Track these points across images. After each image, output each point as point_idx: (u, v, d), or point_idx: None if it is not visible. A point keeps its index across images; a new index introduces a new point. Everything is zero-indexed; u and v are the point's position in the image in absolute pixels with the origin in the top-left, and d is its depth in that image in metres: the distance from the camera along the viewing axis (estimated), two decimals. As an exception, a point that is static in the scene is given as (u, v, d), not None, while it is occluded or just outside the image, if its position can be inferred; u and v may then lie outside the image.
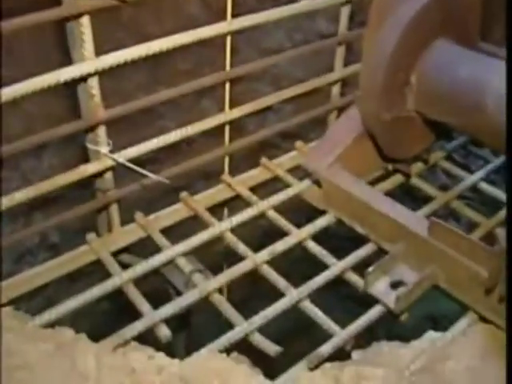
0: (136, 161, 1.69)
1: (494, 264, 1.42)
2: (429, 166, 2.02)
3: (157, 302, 1.60)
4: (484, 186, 1.98)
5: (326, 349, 1.48)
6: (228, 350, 1.49)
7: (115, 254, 1.83)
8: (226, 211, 2.10)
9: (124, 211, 1.85)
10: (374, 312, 1.56)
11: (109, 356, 1.41)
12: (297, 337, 2.35)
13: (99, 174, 1.70)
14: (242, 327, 1.52)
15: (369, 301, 1.59)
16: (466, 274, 1.51)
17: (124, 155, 1.69)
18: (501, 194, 1.93)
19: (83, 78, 1.49)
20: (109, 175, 1.72)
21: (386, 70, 1.66)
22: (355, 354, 1.50)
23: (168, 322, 1.56)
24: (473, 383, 1.39)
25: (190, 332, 2.10)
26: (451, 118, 1.70)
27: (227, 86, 1.86)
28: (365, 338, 1.56)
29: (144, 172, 1.61)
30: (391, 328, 1.81)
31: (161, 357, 1.42)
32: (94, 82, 1.53)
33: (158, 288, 1.83)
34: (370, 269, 1.57)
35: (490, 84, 1.56)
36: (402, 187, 1.96)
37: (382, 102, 1.71)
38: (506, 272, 1.25)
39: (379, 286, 1.59)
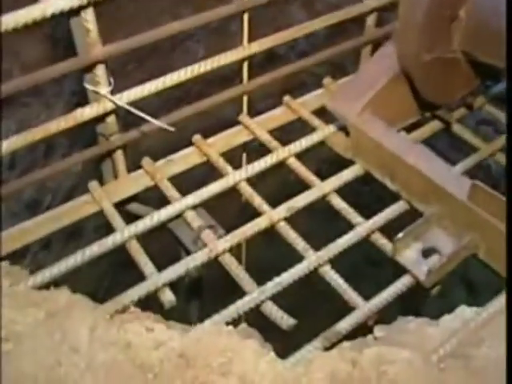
0: (147, 107, 1.50)
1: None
2: (472, 112, 1.78)
3: (164, 261, 1.46)
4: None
5: (344, 325, 1.33)
6: (236, 322, 1.34)
7: (122, 204, 1.68)
8: (244, 158, 1.91)
9: (134, 158, 1.69)
10: (402, 283, 1.40)
11: (103, 328, 1.28)
12: (314, 308, 2.18)
13: (101, 118, 1.52)
14: (253, 295, 1.37)
15: (397, 269, 1.42)
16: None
17: (128, 97, 1.50)
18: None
19: (74, 11, 1.29)
20: (111, 119, 1.54)
21: (431, 1, 1.43)
22: (377, 330, 1.34)
23: (177, 288, 1.42)
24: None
25: (203, 299, 1.95)
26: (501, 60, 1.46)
27: (245, 18, 1.63)
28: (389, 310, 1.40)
29: (146, 116, 1.42)
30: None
31: (161, 330, 1.28)
32: (88, 15, 1.32)
33: (166, 246, 1.68)
34: (400, 234, 1.39)
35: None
36: (441, 136, 1.74)
37: (423, 39, 1.48)
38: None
39: (409, 254, 1.42)
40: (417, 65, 1.51)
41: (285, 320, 1.35)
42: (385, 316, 1.37)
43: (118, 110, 1.51)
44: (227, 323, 1.34)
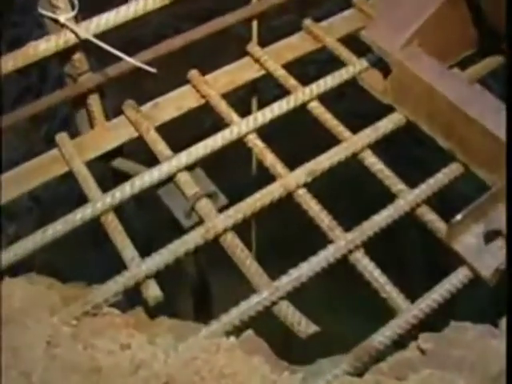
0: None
1: None
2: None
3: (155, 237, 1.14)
4: None
5: (381, 337, 1.01)
6: (240, 329, 1.03)
7: (104, 159, 1.34)
8: (254, 102, 1.54)
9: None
10: (457, 279, 1.07)
11: (66, 344, 0.97)
12: (342, 308, 1.76)
13: (65, 55, 1.16)
14: (263, 295, 1.05)
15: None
16: None
17: (96, 26, 1.13)
18: None
19: None
20: (79, 57, 1.17)
21: None
22: (424, 341, 1.03)
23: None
24: None
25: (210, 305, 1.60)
26: None
27: None
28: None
29: (118, 53, 1.06)
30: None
31: (140, 345, 0.98)
32: None
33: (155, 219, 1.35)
34: (459, 216, 1.05)
35: None
36: (503, 74, 1.35)
37: None
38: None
39: (468, 241, 1.08)
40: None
41: (303, 326, 1.03)
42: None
43: (88, 45, 1.15)
44: (228, 333, 1.03)
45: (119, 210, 1.20)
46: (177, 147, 1.26)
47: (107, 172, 1.38)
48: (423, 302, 1.04)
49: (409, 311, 1.04)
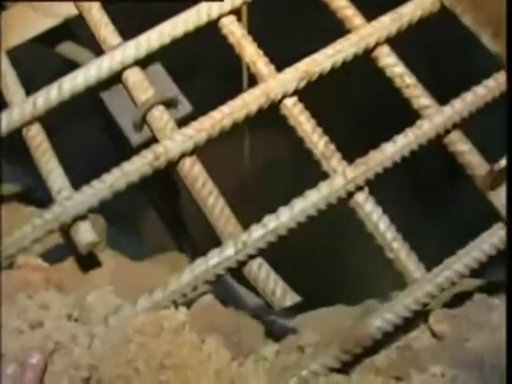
0: None
1: None
2: None
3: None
4: None
5: (380, 321, 0.75)
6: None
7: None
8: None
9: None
10: (495, 237, 0.79)
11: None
12: (333, 270, 1.34)
13: None
14: (228, 251, 0.78)
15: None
16: None
17: None
18: None
19: None
20: None
21: None
22: (435, 320, 0.78)
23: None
24: None
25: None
26: None
27: None
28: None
29: None
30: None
31: (57, 323, 0.73)
32: None
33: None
34: (502, 162, 0.75)
35: None
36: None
37: None
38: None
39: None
40: None
41: (278, 297, 0.77)
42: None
43: None
44: (176, 303, 0.77)
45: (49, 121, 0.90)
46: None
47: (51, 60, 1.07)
48: (445, 273, 0.77)
49: (425, 282, 0.77)
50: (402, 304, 0.76)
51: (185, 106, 0.93)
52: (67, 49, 1.07)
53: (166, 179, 1.16)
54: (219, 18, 0.94)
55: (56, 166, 0.86)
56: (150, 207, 1.28)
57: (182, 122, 0.91)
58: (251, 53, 0.92)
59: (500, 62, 0.88)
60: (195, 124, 0.86)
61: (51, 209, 0.82)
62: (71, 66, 1.03)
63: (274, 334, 0.84)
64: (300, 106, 0.89)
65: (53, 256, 0.87)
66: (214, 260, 0.79)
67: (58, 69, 0.98)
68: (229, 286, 1.09)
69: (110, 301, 0.82)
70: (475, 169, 0.84)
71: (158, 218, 1.27)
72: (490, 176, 0.77)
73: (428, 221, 1.12)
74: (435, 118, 0.86)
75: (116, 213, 0.97)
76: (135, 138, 0.91)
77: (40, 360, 0.69)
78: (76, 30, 1.05)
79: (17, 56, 0.98)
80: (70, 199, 0.82)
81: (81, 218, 0.82)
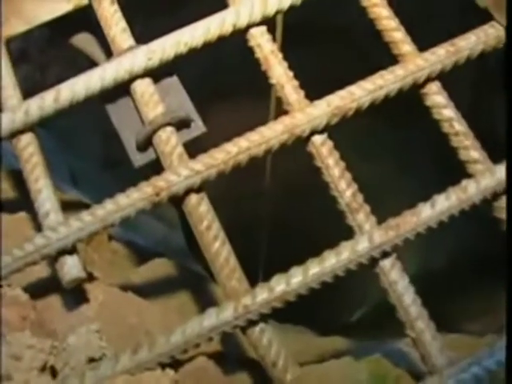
0: None
1: None
2: None
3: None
4: None
5: None
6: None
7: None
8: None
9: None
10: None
11: None
12: None
13: None
14: (227, 312, 0.69)
15: None
16: None
17: None
18: None
19: None
20: None
21: None
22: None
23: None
24: None
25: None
26: None
27: None
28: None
29: None
30: None
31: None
32: None
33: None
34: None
35: None
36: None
37: None
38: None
39: None
40: None
41: (280, 369, 0.67)
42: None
43: None
44: (163, 365, 0.68)
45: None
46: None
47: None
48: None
49: (446, 376, 0.66)
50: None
51: (198, 126, 0.81)
52: (83, 41, 0.95)
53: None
54: (247, 27, 0.81)
55: (46, 185, 0.76)
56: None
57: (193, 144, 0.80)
58: (279, 74, 0.79)
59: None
60: (205, 158, 0.74)
61: (33, 240, 0.72)
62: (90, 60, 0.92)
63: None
64: (329, 144, 0.77)
65: (36, 287, 0.78)
66: (210, 322, 0.69)
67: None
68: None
69: (92, 344, 0.73)
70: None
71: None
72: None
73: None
74: (484, 178, 0.73)
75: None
76: (137, 159, 0.80)
77: None
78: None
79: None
80: (56, 231, 0.72)
81: (67, 251, 0.73)
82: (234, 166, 0.75)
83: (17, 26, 0.87)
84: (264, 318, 0.70)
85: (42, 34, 0.89)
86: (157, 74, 0.80)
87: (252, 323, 0.69)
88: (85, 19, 0.91)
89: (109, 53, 0.86)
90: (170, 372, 0.68)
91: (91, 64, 0.87)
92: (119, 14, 0.84)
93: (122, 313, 0.83)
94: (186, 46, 0.80)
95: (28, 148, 0.78)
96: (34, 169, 0.78)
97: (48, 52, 1.07)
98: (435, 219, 0.72)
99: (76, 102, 0.78)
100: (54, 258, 0.73)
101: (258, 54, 0.82)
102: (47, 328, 0.74)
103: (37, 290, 0.77)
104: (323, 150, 0.76)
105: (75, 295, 0.78)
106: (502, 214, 0.74)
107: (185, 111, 0.81)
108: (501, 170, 0.74)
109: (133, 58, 0.79)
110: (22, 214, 0.90)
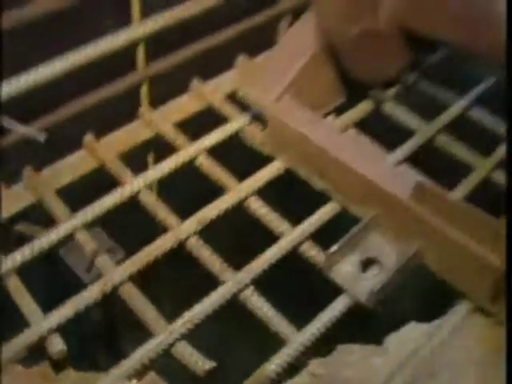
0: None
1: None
2: (406, 89, 1.55)
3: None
4: (476, 113, 1.54)
5: (273, 366, 1.09)
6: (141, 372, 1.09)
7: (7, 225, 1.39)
8: (150, 160, 1.63)
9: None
10: (339, 306, 1.16)
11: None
12: (238, 344, 1.87)
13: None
14: (160, 338, 1.12)
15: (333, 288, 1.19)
16: (465, 256, 1.11)
17: None
18: (497, 123, 1.50)
19: None
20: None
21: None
22: (315, 366, 1.12)
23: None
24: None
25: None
26: (445, 31, 1.23)
27: None
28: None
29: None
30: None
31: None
32: None
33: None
34: (334, 246, 1.16)
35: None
36: (375, 118, 1.50)
37: (348, 8, 1.24)
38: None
39: (345, 269, 1.18)
40: (342, 39, 1.27)
41: (200, 364, 1.10)
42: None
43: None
44: (129, 377, 1.09)
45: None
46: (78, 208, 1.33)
47: (10, 236, 1.43)
48: (308, 330, 1.13)
49: (296, 339, 1.12)
50: (287, 352, 1.11)
51: (120, 253, 1.31)
52: (22, 227, 1.45)
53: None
54: (138, 191, 1.36)
55: (29, 300, 1.19)
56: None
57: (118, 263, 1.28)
58: (162, 212, 1.33)
59: (328, 195, 1.33)
60: (130, 260, 1.23)
61: (31, 327, 1.13)
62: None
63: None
64: (200, 242, 1.28)
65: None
66: (153, 344, 1.12)
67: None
68: None
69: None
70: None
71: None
72: (327, 259, 1.17)
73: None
74: (291, 235, 1.28)
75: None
76: (87, 277, 1.27)
77: None
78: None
79: None
80: (45, 318, 1.14)
81: (52, 332, 1.14)
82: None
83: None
84: (185, 335, 1.14)
85: None
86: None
87: (177, 340, 1.13)
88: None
89: None
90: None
91: None
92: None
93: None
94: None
95: None
96: None
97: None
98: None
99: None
100: None
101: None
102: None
103: None
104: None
105: None
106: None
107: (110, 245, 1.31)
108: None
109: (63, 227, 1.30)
110: None
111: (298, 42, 1.40)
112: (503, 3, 1.05)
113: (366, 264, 1.20)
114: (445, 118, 1.49)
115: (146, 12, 1.43)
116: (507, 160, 1.02)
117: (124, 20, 1.43)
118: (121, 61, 1.46)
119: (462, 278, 1.13)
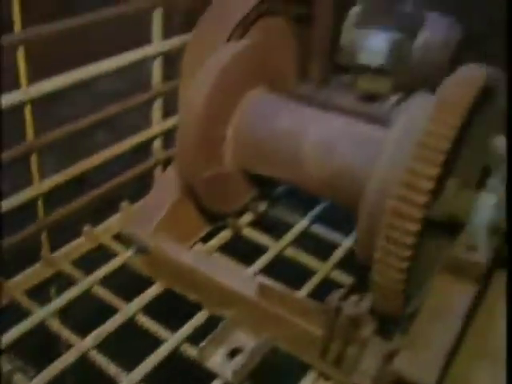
0: None
1: (328, 321, 1.38)
2: (259, 215, 1.96)
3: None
4: (316, 228, 1.96)
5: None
6: None
7: None
8: (52, 292, 1.92)
9: None
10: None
11: None
12: None
13: None
14: None
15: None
16: (302, 334, 1.46)
17: None
18: (332, 234, 1.92)
19: None
20: None
21: (200, 125, 1.59)
22: None
23: None
24: None
25: None
26: (272, 171, 1.66)
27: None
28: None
29: None
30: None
31: None
32: None
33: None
34: (203, 342, 1.48)
35: (305, 134, 1.54)
36: (234, 241, 1.89)
37: (198, 159, 1.63)
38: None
39: (215, 359, 1.50)
40: (197, 182, 1.65)
41: None
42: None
43: None
44: None
45: None
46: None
47: None
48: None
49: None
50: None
51: (30, 371, 1.56)
52: None
53: None
54: (45, 318, 1.64)
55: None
56: None
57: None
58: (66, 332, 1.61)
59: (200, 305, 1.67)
60: (38, 377, 1.49)
61: None
62: None
63: None
64: (99, 354, 1.57)
65: None
66: None
67: None
68: None
69: None
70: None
71: None
72: (200, 352, 1.48)
73: None
74: (172, 337, 1.58)
75: None
76: None
77: None
78: None
79: None
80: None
81: None
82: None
83: None
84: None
85: None
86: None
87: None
88: None
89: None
90: None
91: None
92: None
93: None
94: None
95: None
96: None
97: None
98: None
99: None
100: None
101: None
102: None
103: None
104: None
105: None
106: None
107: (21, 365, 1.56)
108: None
109: None
110: None
111: (167, 186, 1.78)
112: (308, 146, 1.49)
113: (233, 353, 1.52)
114: (291, 234, 1.90)
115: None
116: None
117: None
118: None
119: (305, 351, 1.47)
